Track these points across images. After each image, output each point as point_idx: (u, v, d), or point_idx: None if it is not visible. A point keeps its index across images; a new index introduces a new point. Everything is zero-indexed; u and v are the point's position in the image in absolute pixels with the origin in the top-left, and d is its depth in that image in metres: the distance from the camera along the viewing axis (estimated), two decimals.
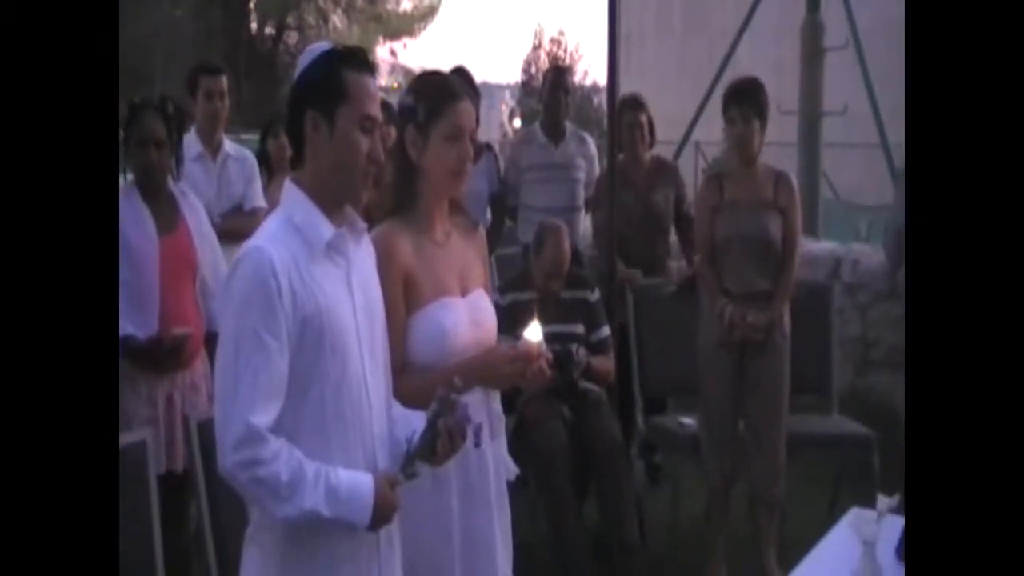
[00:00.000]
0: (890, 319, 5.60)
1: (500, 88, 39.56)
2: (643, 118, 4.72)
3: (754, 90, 3.83)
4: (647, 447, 4.65)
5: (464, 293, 2.32)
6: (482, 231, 2.50)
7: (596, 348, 4.04)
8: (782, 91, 6.95)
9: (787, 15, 8.69)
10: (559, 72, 5.58)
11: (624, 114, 4.64)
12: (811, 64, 7.78)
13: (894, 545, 2.31)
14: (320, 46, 1.97)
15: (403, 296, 2.21)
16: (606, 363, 4.06)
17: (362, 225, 2.01)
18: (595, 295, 4.14)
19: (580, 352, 3.87)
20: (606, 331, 4.12)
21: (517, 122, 28.76)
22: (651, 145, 4.81)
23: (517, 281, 4.17)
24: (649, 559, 3.91)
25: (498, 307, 3.85)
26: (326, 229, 1.90)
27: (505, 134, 27.70)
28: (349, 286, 1.94)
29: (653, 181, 4.74)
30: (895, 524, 2.32)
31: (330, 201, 1.93)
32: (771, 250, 3.80)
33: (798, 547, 2.51)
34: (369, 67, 1.96)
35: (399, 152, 2.30)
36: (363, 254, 2.02)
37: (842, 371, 4.97)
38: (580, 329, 4.01)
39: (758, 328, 3.73)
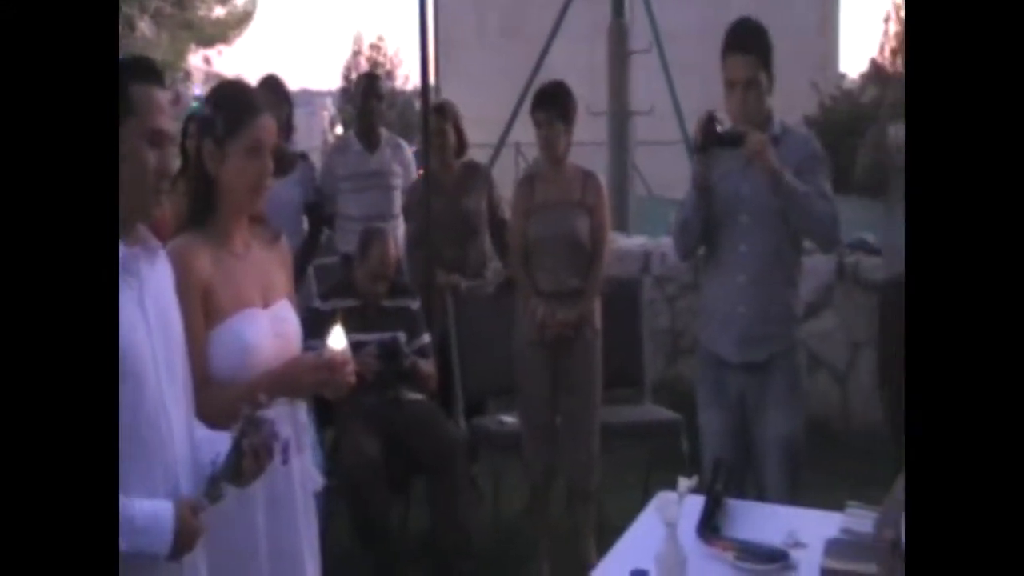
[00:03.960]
0: (696, 309, 5.85)
1: (321, 95, 38.90)
2: (451, 124, 4.76)
3: (558, 93, 3.95)
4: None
5: (267, 305, 2.29)
6: (284, 241, 2.46)
7: (417, 355, 4.08)
8: (594, 92, 7.15)
9: (597, 19, 8.92)
10: (371, 79, 5.58)
11: (432, 120, 4.69)
12: (618, 66, 8.03)
13: (695, 525, 2.43)
14: None
15: (202, 310, 2.17)
16: (428, 366, 4.10)
17: (155, 243, 1.95)
18: (416, 303, 4.18)
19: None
20: (427, 338, 4.17)
21: (339, 129, 28.34)
22: (459, 152, 4.83)
23: (339, 288, 4.15)
24: (473, 559, 3.95)
25: (320, 313, 3.84)
26: None
27: (326, 141, 27.24)
28: (143, 308, 1.88)
29: (463, 186, 4.77)
30: (695, 504, 2.45)
31: (120, 220, 1.88)
32: (580, 248, 3.93)
33: (616, 534, 2.56)
34: (157, 78, 1.90)
35: (195, 164, 2.26)
36: (158, 273, 1.96)
37: (653, 361, 5.17)
38: (402, 337, 4.05)
39: (568, 325, 3.85)
